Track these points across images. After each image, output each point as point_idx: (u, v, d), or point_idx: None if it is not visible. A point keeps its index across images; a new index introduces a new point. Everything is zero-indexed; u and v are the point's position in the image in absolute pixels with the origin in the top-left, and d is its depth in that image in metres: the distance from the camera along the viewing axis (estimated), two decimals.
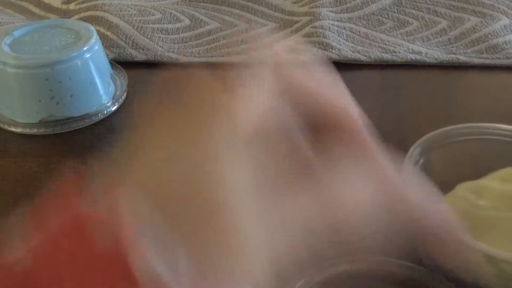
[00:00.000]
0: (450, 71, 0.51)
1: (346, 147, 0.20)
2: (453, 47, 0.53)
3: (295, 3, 0.62)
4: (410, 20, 0.58)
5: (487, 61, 0.51)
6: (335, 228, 0.18)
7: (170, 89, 0.21)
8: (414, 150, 0.31)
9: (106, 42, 0.53)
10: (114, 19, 0.56)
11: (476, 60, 0.51)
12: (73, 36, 0.44)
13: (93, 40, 0.43)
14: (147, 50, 0.53)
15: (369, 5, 0.60)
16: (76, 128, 0.42)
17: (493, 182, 0.30)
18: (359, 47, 0.53)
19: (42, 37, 0.44)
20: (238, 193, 0.16)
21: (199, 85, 0.19)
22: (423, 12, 0.59)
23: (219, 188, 0.16)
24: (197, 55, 0.53)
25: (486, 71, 0.51)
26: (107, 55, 0.50)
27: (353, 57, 0.51)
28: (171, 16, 0.59)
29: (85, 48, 0.42)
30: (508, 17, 0.57)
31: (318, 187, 0.18)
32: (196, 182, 0.16)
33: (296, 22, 0.58)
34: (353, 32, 0.56)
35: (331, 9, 0.60)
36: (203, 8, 0.61)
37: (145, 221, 0.15)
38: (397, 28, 0.57)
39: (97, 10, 0.57)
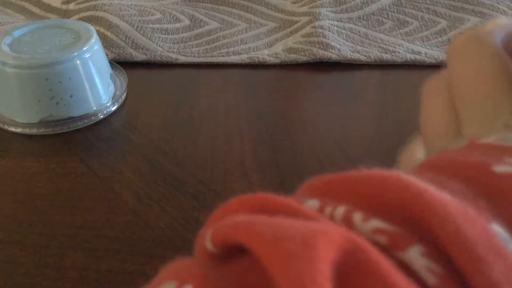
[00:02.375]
0: None
1: None
2: None
3: (295, 3, 0.62)
4: (409, 20, 0.58)
5: None
6: None
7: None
8: None
9: (106, 42, 0.53)
10: (114, 19, 0.56)
11: None
12: (73, 36, 0.44)
13: (93, 40, 0.43)
14: (147, 50, 0.53)
15: (369, 5, 0.60)
16: (76, 128, 0.42)
17: None
18: (359, 47, 0.53)
19: (42, 37, 0.44)
20: None
21: None
22: (423, 12, 0.59)
23: None
24: (197, 55, 0.53)
25: None
26: (107, 55, 0.49)
27: (353, 57, 0.51)
28: (171, 16, 0.59)
29: (85, 48, 0.42)
30: (508, 17, 0.57)
31: None
32: None
33: (296, 22, 0.58)
34: (353, 32, 0.56)
35: (331, 9, 0.60)
36: (203, 8, 0.61)
37: None
38: (397, 28, 0.57)
39: (97, 10, 0.57)
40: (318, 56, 0.51)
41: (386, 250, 0.17)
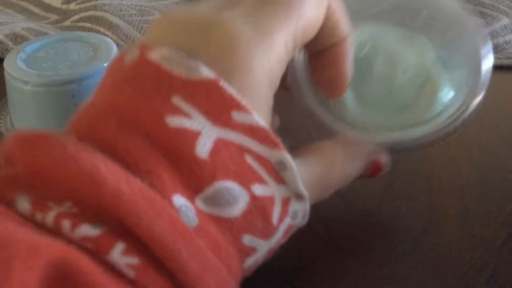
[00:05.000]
0: None
1: None
2: None
3: None
4: None
5: None
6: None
7: None
8: None
9: None
10: (115, 19, 0.56)
11: None
12: (91, 49, 0.42)
13: (114, 53, 0.41)
14: None
15: None
16: None
17: None
18: None
19: (58, 51, 0.42)
20: None
21: None
22: None
23: None
24: None
25: None
26: None
27: None
28: None
29: (108, 61, 0.40)
30: (508, 17, 0.57)
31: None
32: None
33: None
34: None
35: None
36: None
37: None
38: None
39: (97, 10, 0.57)
40: None
41: (95, 255, 0.18)
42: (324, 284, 0.30)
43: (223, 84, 0.21)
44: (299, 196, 0.24)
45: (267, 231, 0.23)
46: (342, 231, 0.33)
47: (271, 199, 0.23)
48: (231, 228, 0.22)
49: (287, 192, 0.23)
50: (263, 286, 0.30)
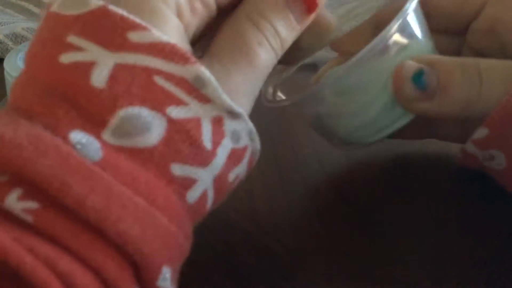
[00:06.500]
0: None
1: None
2: None
3: None
4: None
5: None
6: None
7: None
8: None
9: None
10: None
11: None
12: None
13: None
14: None
15: None
16: None
17: None
18: None
19: None
20: None
21: None
22: None
23: None
24: None
25: None
26: None
27: None
28: None
29: None
30: None
31: None
32: None
33: None
34: None
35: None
36: None
37: None
38: None
39: None
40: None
41: None
42: (324, 284, 0.30)
43: (112, 8, 0.21)
44: (232, 113, 0.22)
45: (200, 157, 0.21)
46: (342, 231, 0.33)
47: (195, 121, 0.21)
48: (152, 158, 0.20)
49: (216, 111, 0.21)
50: (263, 286, 0.30)
